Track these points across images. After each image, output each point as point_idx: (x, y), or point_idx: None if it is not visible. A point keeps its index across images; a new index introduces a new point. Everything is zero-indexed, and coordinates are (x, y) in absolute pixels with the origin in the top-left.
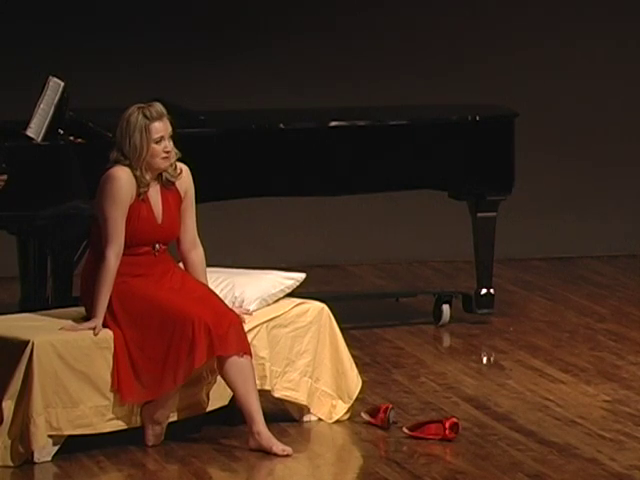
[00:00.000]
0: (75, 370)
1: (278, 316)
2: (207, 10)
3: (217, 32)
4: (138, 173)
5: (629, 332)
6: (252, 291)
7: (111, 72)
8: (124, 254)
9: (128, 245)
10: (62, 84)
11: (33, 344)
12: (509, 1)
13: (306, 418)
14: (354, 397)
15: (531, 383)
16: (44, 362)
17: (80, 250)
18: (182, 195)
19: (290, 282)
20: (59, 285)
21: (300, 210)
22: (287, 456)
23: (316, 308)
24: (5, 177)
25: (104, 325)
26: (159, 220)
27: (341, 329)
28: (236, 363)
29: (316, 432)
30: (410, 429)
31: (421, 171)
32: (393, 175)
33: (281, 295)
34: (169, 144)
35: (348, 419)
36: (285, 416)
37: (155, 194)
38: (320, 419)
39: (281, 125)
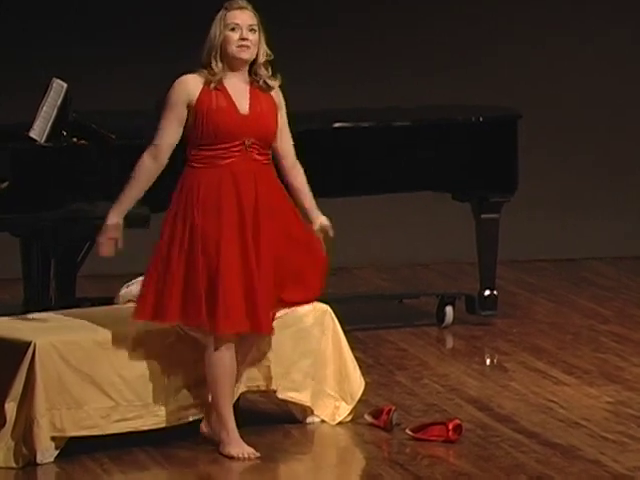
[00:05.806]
0: (78, 371)
1: (281, 317)
2: (207, 10)
3: None
4: (211, 65)
5: (633, 334)
6: None
7: (113, 74)
8: (212, 149)
9: (216, 142)
10: (65, 86)
11: (35, 345)
12: (511, 0)
13: (309, 420)
14: (357, 399)
15: (534, 385)
16: (46, 363)
17: (83, 252)
18: (277, 104)
19: None
20: (62, 287)
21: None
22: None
23: (319, 309)
24: (5, 185)
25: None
26: (243, 111)
27: (344, 331)
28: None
29: (319, 434)
30: (413, 431)
31: (424, 172)
32: (396, 177)
33: None
34: (251, 35)
35: (351, 421)
36: (288, 418)
37: (240, 86)
38: (323, 421)
39: None
